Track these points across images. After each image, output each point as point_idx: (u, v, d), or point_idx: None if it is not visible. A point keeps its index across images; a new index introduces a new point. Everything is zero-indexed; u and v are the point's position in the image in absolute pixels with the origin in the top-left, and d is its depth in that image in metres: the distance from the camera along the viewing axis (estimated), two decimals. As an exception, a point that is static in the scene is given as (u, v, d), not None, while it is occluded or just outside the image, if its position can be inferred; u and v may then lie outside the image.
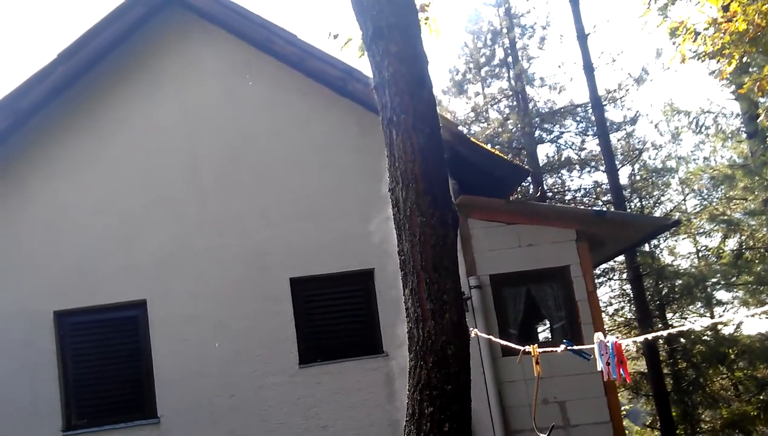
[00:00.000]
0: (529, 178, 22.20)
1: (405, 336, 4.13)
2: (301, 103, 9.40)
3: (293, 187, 9.13)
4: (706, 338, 21.00)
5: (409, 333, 4.09)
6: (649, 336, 3.68)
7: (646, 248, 23.78)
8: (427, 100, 4.22)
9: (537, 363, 4.40)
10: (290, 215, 9.02)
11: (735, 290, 19.97)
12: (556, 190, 26.02)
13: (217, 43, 9.46)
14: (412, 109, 4.12)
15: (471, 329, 4.71)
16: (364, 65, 10.98)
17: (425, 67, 4.29)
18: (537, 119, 24.60)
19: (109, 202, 8.92)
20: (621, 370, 3.47)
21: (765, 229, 17.93)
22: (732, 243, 20.29)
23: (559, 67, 29.02)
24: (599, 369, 3.62)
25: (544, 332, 13.96)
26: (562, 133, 25.61)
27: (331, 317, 8.99)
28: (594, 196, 25.54)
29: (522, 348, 4.61)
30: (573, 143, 25.78)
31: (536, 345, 4.49)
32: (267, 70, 9.44)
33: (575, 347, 4.19)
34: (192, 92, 9.32)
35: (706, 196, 23.46)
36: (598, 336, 3.64)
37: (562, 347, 4.23)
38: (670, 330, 3.50)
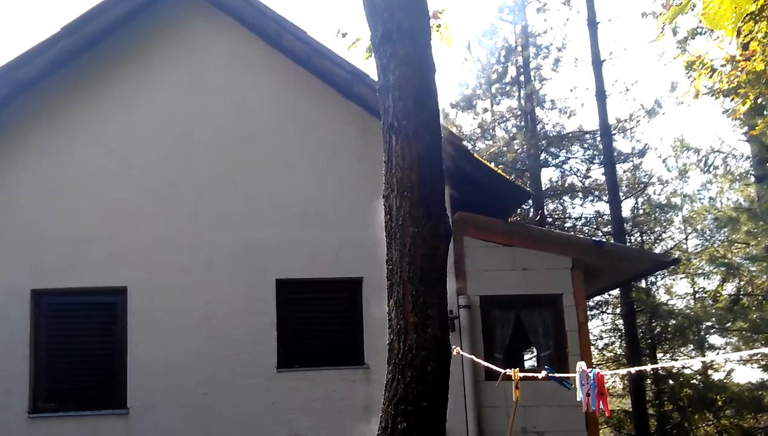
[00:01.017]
0: (529, 201, 22.19)
1: (386, 347, 4.11)
2: (305, 102, 9.39)
3: (290, 188, 9.11)
4: (694, 381, 20.99)
5: (389, 345, 4.06)
6: (633, 370, 3.66)
7: (643, 284, 23.81)
8: (431, 108, 4.21)
9: (516, 388, 4.38)
10: (284, 216, 9.00)
11: (729, 335, 19.98)
12: (556, 216, 26.04)
13: (225, 31, 9.44)
14: (414, 116, 4.11)
15: (454, 347, 4.69)
16: (371, 69, 10.98)
17: (432, 75, 4.28)
18: (544, 142, 24.65)
19: (99, 184, 8.87)
20: (601, 402, 3.45)
21: (765, 276, 17.94)
22: (730, 287, 20.31)
23: (571, 91, 29.08)
24: (579, 399, 3.60)
25: (530, 360, 13.92)
26: (568, 158, 25.67)
27: (315, 323, 8.96)
28: (594, 226, 25.59)
29: (503, 371, 4.59)
30: (578, 170, 25.86)
31: (517, 369, 4.46)
32: (273, 64, 9.42)
33: (556, 375, 4.17)
34: (195, 80, 9.29)
35: (708, 238, 23.52)
36: (581, 365, 3.61)
37: (544, 373, 4.20)
38: (659, 366, 3.48)
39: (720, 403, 19.78)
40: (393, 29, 4.20)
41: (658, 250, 24.50)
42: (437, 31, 5.15)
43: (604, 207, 25.15)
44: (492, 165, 10.62)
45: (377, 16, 4.27)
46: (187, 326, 8.63)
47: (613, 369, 23.26)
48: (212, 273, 8.78)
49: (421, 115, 4.12)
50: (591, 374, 3.53)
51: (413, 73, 4.18)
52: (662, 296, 23.84)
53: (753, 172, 18.81)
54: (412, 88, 4.12)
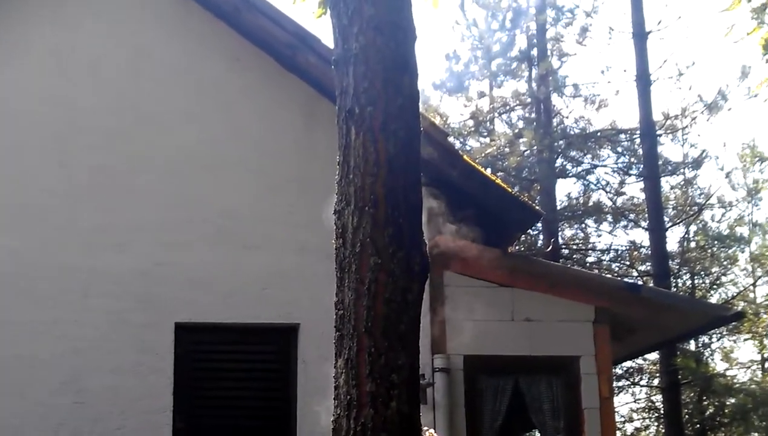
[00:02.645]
0: (539, 225, 22.37)
1: (330, 427, 4.10)
2: (229, 74, 9.45)
3: (202, 194, 9.10)
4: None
5: (335, 424, 4.05)
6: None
7: (692, 346, 24.06)
8: (408, 90, 4.23)
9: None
10: (192, 233, 8.98)
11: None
12: (575, 246, 26.28)
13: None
14: (384, 101, 4.12)
15: (426, 428, 4.70)
16: (325, 31, 11.02)
17: (411, 44, 4.31)
18: (561, 142, 24.80)
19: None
20: None
21: None
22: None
23: (603, 73, 29.21)
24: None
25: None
26: (595, 166, 25.88)
27: (230, 388, 8.94)
28: (628, 263, 25.84)
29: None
30: (608, 183, 26.08)
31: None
32: (185, 20, 9.50)
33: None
34: (74, 43, 9.31)
35: (784, 284, 23.89)
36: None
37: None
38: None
39: None
40: (358, -23, 4.24)
41: (714, 299, 24.82)
42: (420, -17, 5.20)
43: (642, 236, 25.48)
44: (488, 172, 10.70)
45: (335, -44, 4.30)
46: (44, 385, 8.53)
47: (647, 465, 23.44)
48: (85, 311, 8.71)
49: (393, 100, 4.13)
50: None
51: (384, 40, 4.19)
52: (718, 365, 24.14)
53: None
54: (381, 62, 4.13)
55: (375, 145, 4.09)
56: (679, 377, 21.50)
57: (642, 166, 23.68)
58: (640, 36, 22.54)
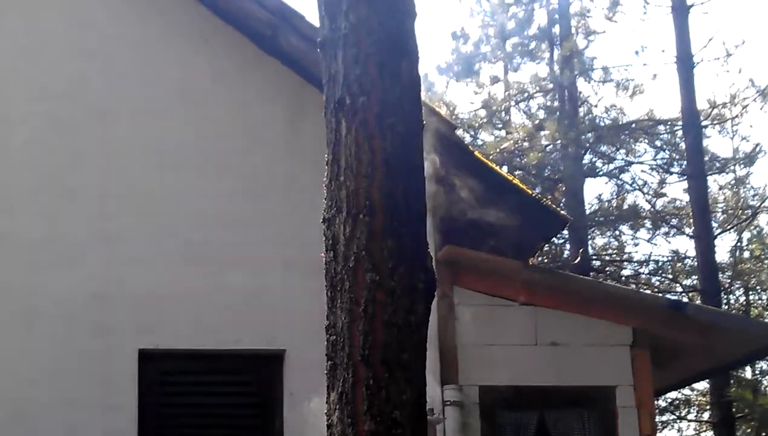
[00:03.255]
0: (565, 232, 22.37)
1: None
2: (199, 57, 9.47)
3: (169, 197, 9.12)
4: None
5: (328, 468, 4.06)
6: None
7: (747, 373, 24.04)
8: (408, 77, 4.23)
9: None
10: (158, 245, 9.00)
11: None
12: (608, 256, 26.28)
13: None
14: (379, 90, 4.12)
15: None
16: (310, 7, 11.04)
17: (411, 23, 4.30)
18: (590, 135, 24.83)
19: None
20: None
21: None
22: None
23: (637, 53, 29.34)
24: None
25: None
26: (629, 163, 25.91)
27: (204, 424, 8.96)
28: (670, 276, 25.81)
29: None
30: (645, 183, 26.12)
31: None
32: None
33: None
34: (23, 17, 9.33)
35: None
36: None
37: None
38: None
39: None
40: (348, -58, 4.25)
41: (773, 318, 24.78)
42: (421, -50, 5.20)
43: (686, 245, 25.52)
44: (505, 171, 10.71)
45: None
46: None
47: None
48: (32, 338, 8.71)
49: (390, 89, 4.13)
50: None
51: (379, 18, 4.19)
52: (779, 395, 24.09)
53: None
54: (376, 44, 4.13)
55: (370, 142, 4.08)
56: (733, 410, 21.50)
57: (685, 162, 23.73)
58: (681, 10, 22.61)
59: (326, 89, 4.29)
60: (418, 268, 4.13)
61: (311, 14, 8.94)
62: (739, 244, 25.82)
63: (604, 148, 25.56)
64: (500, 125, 26.24)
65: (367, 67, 4.16)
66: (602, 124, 25.33)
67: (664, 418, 25.23)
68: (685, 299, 22.79)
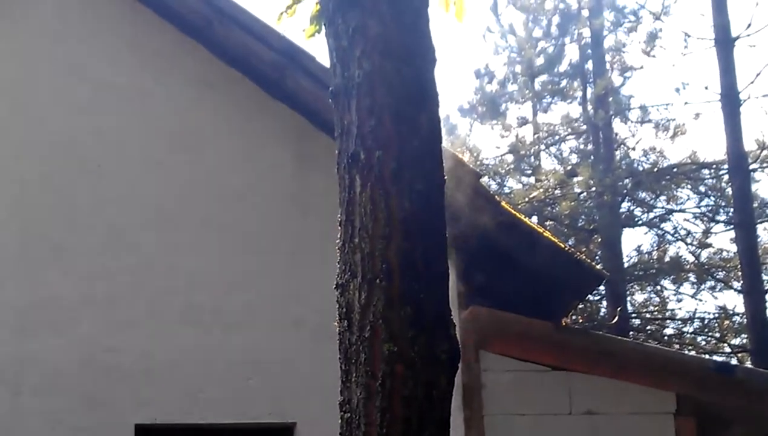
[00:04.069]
0: (601, 288, 22.27)
1: None
2: (201, 102, 9.52)
3: (169, 259, 9.13)
4: None
5: None
6: None
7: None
8: (427, 129, 4.22)
9: None
10: (156, 310, 8.99)
11: None
12: (648, 314, 26.15)
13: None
14: (396, 143, 4.11)
15: None
16: (320, 47, 11.10)
17: (430, 70, 4.30)
18: (627, 181, 24.80)
19: None
20: None
21: None
22: None
23: (678, 91, 29.34)
24: None
25: None
26: (671, 212, 25.85)
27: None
28: (717, 335, 25.66)
29: None
30: (688, 233, 26.05)
31: None
32: (142, 34, 9.58)
33: None
34: (10, 68, 9.41)
35: None
36: None
37: None
38: None
39: None
40: (360, -15, 4.27)
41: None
42: (440, -10, 5.20)
43: (734, 300, 25.34)
44: (534, 223, 10.70)
45: (332, -41, 4.33)
46: None
47: None
48: (17, 412, 8.70)
49: (408, 142, 4.12)
50: None
51: (395, 64, 4.19)
52: None
53: None
54: (392, 93, 4.13)
55: (386, 201, 4.07)
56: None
57: (732, 210, 23.63)
58: (725, 43, 22.60)
59: (339, 143, 4.27)
60: (439, 337, 4.10)
61: (322, 53, 8.99)
62: (795, 300, 25.71)
63: (643, 195, 25.54)
64: (529, 171, 26.24)
65: (383, 118, 4.14)
66: (641, 168, 25.31)
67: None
68: (734, 361, 22.64)
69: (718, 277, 25.66)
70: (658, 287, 26.52)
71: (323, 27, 4.46)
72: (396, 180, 4.09)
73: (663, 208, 25.84)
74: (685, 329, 26.04)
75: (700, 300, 26.40)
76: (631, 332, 23.01)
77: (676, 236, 26.02)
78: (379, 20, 4.19)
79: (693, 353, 22.28)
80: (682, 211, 25.86)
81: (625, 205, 25.17)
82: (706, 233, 25.89)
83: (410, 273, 4.06)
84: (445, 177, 4.31)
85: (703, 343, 25.75)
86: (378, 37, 4.20)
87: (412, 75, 4.23)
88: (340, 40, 4.28)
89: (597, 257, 23.42)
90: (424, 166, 4.19)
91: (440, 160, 4.29)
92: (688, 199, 25.86)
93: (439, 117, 4.37)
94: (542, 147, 26.39)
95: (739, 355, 23.57)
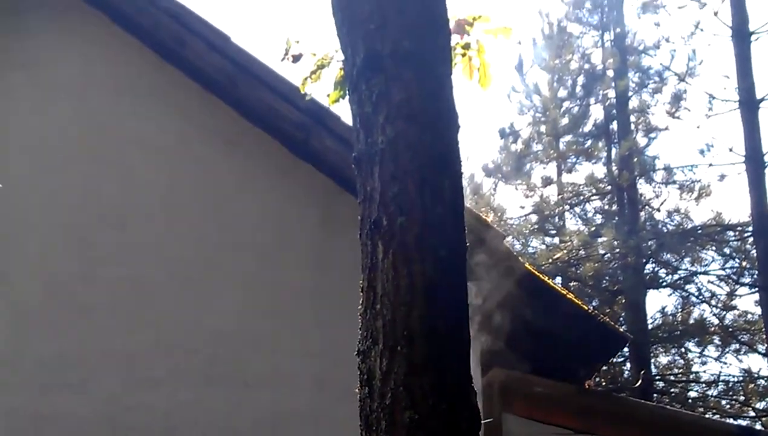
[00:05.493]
0: (625, 351, 22.17)
1: None
2: (225, 161, 9.56)
3: (191, 317, 9.11)
4: None
5: None
6: None
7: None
8: (450, 195, 4.21)
9: None
10: (178, 368, 8.98)
11: None
12: (672, 376, 26.00)
13: (82, 29, 9.68)
14: (420, 210, 4.09)
15: None
16: (345, 109, 11.14)
17: (453, 136, 4.30)
18: (652, 242, 24.74)
19: None
20: None
21: None
22: None
23: (703, 153, 29.34)
24: None
25: None
26: (695, 273, 25.75)
27: None
28: (742, 398, 25.48)
29: None
30: (713, 295, 25.91)
31: None
32: (166, 91, 9.67)
33: None
34: (34, 121, 9.48)
35: None
36: None
37: None
38: None
39: None
40: (385, 51, 4.24)
41: None
42: (465, 56, 5.21)
43: (759, 364, 25.22)
44: (558, 284, 10.67)
45: (358, 28, 4.32)
46: None
47: None
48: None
49: (431, 209, 4.11)
50: None
51: (419, 130, 4.20)
52: None
53: None
54: (416, 160, 4.12)
55: (409, 268, 4.05)
56: None
57: (757, 272, 23.53)
58: (750, 105, 22.61)
59: (361, 209, 4.26)
60: (460, 405, 4.07)
61: (347, 114, 9.01)
62: (821, 364, 25.60)
63: (667, 256, 25.49)
64: (553, 232, 26.23)
65: (406, 184, 4.13)
66: (665, 230, 25.29)
67: None
68: (758, 425, 22.48)
69: (742, 340, 25.56)
70: (683, 350, 26.42)
71: (347, 93, 4.47)
72: (419, 247, 4.07)
73: (687, 269, 25.83)
74: (709, 392, 25.90)
75: (725, 363, 26.17)
76: (655, 395, 22.90)
77: (700, 298, 25.97)
78: (402, 87, 4.18)
79: (717, 416, 22.10)
80: (707, 273, 25.82)
81: (649, 267, 25.12)
82: (731, 295, 25.83)
83: (432, 340, 4.03)
84: (468, 243, 4.30)
85: (728, 406, 25.59)
86: (401, 104, 4.19)
87: (435, 141, 4.22)
88: (364, 106, 4.27)
89: (621, 319, 23.35)
90: (447, 233, 4.17)
91: (463, 227, 4.27)
92: (713, 260, 25.85)
93: (462, 184, 4.37)
94: (566, 207, 26.39)
95: (764, 419, 23.40)
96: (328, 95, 5.16)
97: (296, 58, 5.26)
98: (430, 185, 4.18)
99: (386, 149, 4.19)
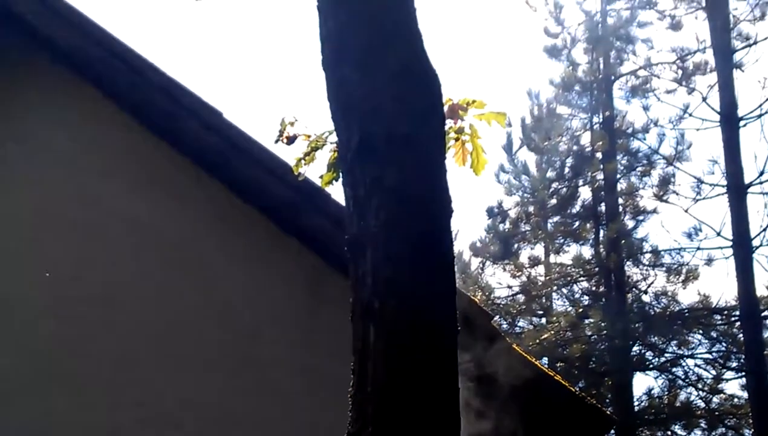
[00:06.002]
0: (611, 432, 22.07)
1: None
2: (215, 238, 9.58)
3: (176, 397, 9.10)
4: None
5: None
6: None
7: None
8: (442, 279, 4.22)
9: None
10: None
11: None
12: (659, 460, 25.84)
13: (73, 103, 9.73)
14: (411, 294, 4.10)
15: None
16: (336, 188, 11.17)
17: (446, 221, 4.30)
18: (639, 325, 24.72)
19: None
20: None
21: None
22: None
23: (690, 236, 29.41)
24: None
25: None
26: (682, 356, 25.72)
27: None
28: (728, 483, 25.37)
29: None
30: (699, 378, 25.86)
31: None
32: (155, 167, 9.69)
33: None
34: (25, 196, 9.52)
35: None
36: None
37: None
38: None
39: None
40: (379, 135, 4.24)
41: None
42: (456, 141, 5.21)
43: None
44: (544, 365, 10.67)
45: (352, 110, 4.35)
46: None
47: None
48: None
49: (423, 293, 4.14)
50: None
51: (412, 214, 4.20)
52: None
53: None
54: (408, 245, 4.14)
55: (401, 352, 4.04)
56: None
57: (743, 356, 23.51)
58: (738, 190, 22.69)
59: (353, 292, 4.23)
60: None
61: (338, 192, 9.02)
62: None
63: (654, 339, 25.47)
64: (541, 312, 26.21)
65: (399, 268, 4.11)
66: (652, 312, 25.29)
67: None
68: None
69: (729, 424, 25.50)
70: (669, 432, 26.35)
71: (340, 175, 4.48)
72: (411, 332, 4.07)
73: (674, 352, 25.80)
74: (696, 478, 25.82)
75: (711, 448, 26.09)
76: (642, 478, 22.78)
77: (687, 381, 25.94)
78: (397, 171, 4.18)
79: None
80: (693, 356, 25.84)
81: (636, 349, 25.13)
82: (718, 378, 25.79)
83: (423, 428, 4.03)
84: (458, 328, 4.29)
85: (714, 490, 25.51)
86: (396, 188, 4.18)
87: (428, 226, 4.22)
88: (358, 189, 4.26)
89: (607, 401, 23.30)
90: (437, 314, 4.17)
91: (454, 308, 4.26)
92: (700, 344, 25.86)
93: (455, 267, 4.37)
94: (554, 288, 26.38)
95: (750, 505, 23.32)
96: (321, 177, 5.16)
97: (291, 141, 5.27)
98: (423, 269, 4.17)
99: (379, 233, 4.17)
